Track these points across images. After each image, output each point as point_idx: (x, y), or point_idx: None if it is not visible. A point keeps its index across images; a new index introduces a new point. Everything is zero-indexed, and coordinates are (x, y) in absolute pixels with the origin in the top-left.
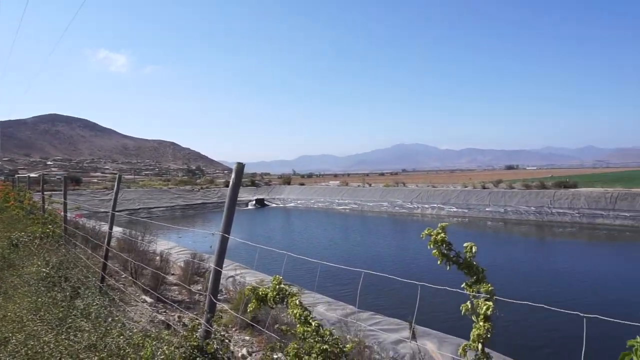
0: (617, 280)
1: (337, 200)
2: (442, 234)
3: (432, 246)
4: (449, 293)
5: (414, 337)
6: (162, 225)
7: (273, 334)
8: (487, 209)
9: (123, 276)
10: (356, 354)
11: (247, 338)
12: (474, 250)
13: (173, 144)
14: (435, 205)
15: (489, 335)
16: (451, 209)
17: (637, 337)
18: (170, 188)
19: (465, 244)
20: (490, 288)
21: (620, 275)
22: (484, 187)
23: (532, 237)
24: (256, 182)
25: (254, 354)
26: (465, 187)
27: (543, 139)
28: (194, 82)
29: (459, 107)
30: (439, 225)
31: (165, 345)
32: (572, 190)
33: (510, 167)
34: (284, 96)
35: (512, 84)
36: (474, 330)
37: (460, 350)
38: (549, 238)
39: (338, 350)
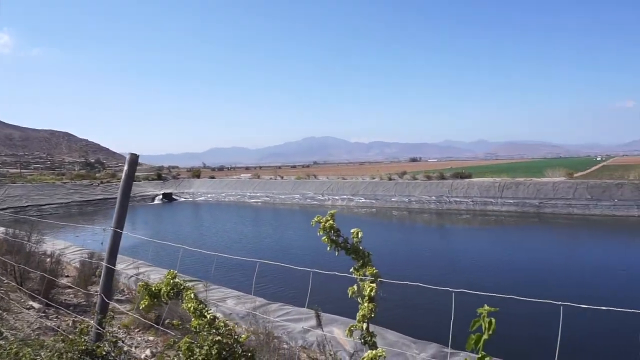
0: (498, 259)
1: (248, 193)
2: (331, 221)
3: (321, 233)
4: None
5: (320, 324)
6: (53, 223)
7: (171, 332)
8: (393, 199)
9: (5, 281)
10: (264, 345)
11: (152, 338)
12: (360, 235)
13: (68, 134)
14: (345, 196)
15: (372, 315)
16: (360, 200)
17: (485, 305)
18: (65, 183)
19: (352, 230)
20: (375, 271)
21: (502, 255)
22: (390, 179)
23: (433, 224)
24: (163, 175)
25: (158, 354)
26: (373, 178)
27: (443, 133)
28: (92, 67)
29: (368, 101)
30: (328, 212)
31: (47, 352)
32: (467, 180)
33: (414, 160)
34: (192, 86)
35: (416, 79)
36: (359, 311)
37: (346, 331)
38: (447, 225)
39: (232, 340)
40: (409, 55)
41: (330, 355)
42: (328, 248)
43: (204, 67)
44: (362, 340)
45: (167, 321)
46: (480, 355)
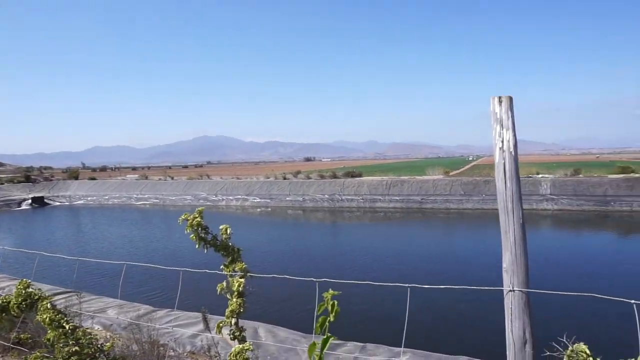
0: (384, 251)
1: (135, 195)
2: (198, 218)
3: (189, 230)
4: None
5: (207, 327)
6: None
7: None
8: (287, 198)
9: None
10: (148, 354)
11: None
12: (229, 231)
13: None
14: (240, 196)
15: (242, 310)
16: (255, 200)
17: (330, 289)
18: None
19: (220, 226)
20: (244, 266)
21: (386, 247)
22: (284, 178)
23: (326, 221)
24: (32, 177)
25: None
26: (268, 178)
27: (336, 133)
28: None
29: (264, 101)
30: (196, 209)
31: None
32: (358, 179)
33: (308, 159)
34: (67, 79)
35: (310, 80)
36: (228, 307)
37: (215, 328)
38: (339, 221)
39: (94, 349)
40: (299, 57)
41: (215, 357)
42: (197, 246)
43: (81, 58)
44: (232, 336)
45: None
46: (325, 337)
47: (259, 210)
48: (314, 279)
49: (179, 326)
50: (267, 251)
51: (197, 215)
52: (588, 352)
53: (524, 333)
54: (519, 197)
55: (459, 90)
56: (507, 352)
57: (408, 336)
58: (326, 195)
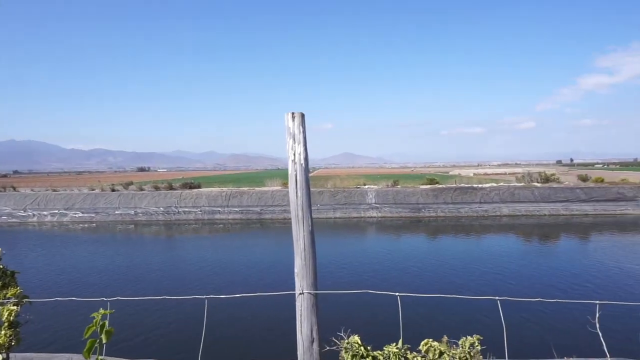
0: (224, 265)
1: None
2: None
3: None
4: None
5: None
6: None
7: None
8: (116, 212)
9: None
10: None
11: None
12: None
13: None
14: (57, 211)
15: (13, 343)
16: (76, 215)
17: (101, 308)
18: None
19: None
20: (18, 291)
21: (220, 260)
22: (113, 190)
23: (160, 235)
24: None
25: None
26: (93, 190)
27: (174, 143)
28: None
29: (90, 104)
30: None
31: None
32: (196, 190)
33: (142, 169)
34: None
35: (146, 85)
36: None
37: None
38: (176, 235)
39: None
40: (133, 56)
41: None
42: None
43: None
44: None
45: None
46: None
47: (81, 226)
48: (105, 299)
49: None
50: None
51: None
52: (359, 342)
53: (312, 332)
54: (309, 206)
55: (295, 105)
56: (298, 352)
57: (204, 350)
58: (161, 208)
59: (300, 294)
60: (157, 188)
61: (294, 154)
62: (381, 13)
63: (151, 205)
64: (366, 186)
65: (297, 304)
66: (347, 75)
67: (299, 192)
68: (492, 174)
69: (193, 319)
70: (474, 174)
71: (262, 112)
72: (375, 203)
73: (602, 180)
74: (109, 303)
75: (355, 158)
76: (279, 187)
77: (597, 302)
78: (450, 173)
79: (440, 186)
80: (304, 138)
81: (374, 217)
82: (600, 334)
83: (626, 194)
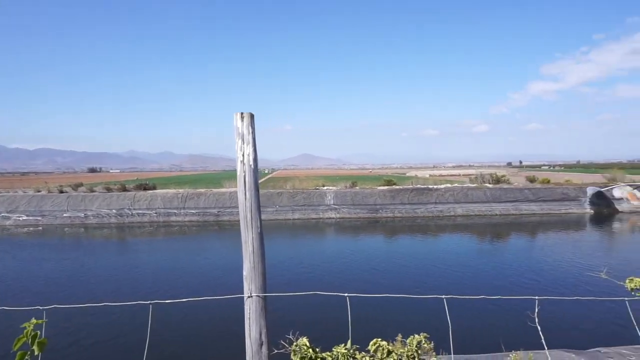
0: (161, 269)
1: None
2: None
3: None
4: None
5: None
6: None
7: None
8: (65, 215)
9: None
10: None
11: None
12: None
13: None
14: None
15: None
16: (20, 218)
17: (33, 318)
18: None
19: None
20: None
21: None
22: (61, 191)
23: (112, 239)
24: None
25: None
26: (39, 191)
27: (127, 142)
28: None
29: (36, 101)
30: None
31: None
32: (151, 192)
33: (93, 170)
34: None
35: (99, 82)
36: None
37: None
38: (129, 238)
39: None
40: (89, 56)
41: None
42: None
43: None
44: None
45: None
46: None
47: (25, 230)
48: (41, 307)
49: None
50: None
51: None
52: (308, 344)
53: (261, 335)
54: (258, 208)
55: (253, 106)
56: (246, 356)
57: (149, 357)
58: (114, 210)
59: (249, 297)
60: (109, 189)
61: (243, 155)
62: (354, 13)
63: (103, 207)
64: (325, 187)
65: (246, 307)
66: (309, 76)
67: (247, 193)
68: (447, 175)
69: (138, 326)
70: (430, 175)
71: (221, 112)
72: (334, 204)
73: (548, 182)
74: (44, 312)
75: (314, 159)
76: (236, 189)
77: (537, 297)
78: (408, 174)
79: (398, 187)
80: (254, 139)
81: (333, 218)
82: (539, 328)
83: (570, 194)
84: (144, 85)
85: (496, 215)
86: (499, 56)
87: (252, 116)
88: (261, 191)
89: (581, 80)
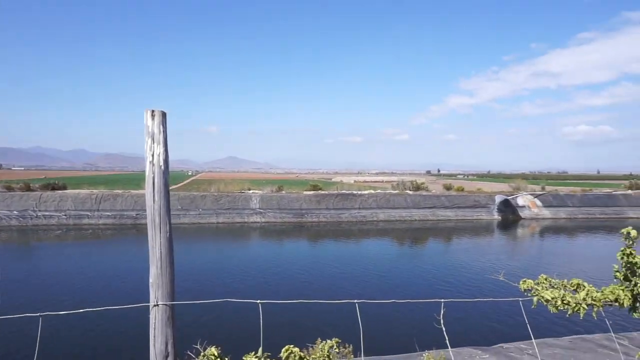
0: (77, 275)
1: None
2: None
3: None
4: None
5: None
6: None
7: None
8: None
9: None
10: None
11: None
12: None
13: None
14: None
15: None
16: None
17: None
18: None
19: None
20: None
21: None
22: None
23: (11, 243)
24: None
25: None
26: None
27: (33, 138)
28: None
29: None
30: None
31: None
32: (60, 192)
33: None
34: None
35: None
36: None
37: None
38: (32, 242)
39: None
40: None
41: None
42: None
43: None
44: None
45: None
46: None
47: None
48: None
49: None
50: None
51: None
52: (216, 353)
53: (167, 347)
54: (167, 211)
55: (166, 104)
56: None
57: None
58: (15, 212)
59: (155, 305)
60: (10, 188)
61: (153, 155)
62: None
63: (2, 208)
64: (251, 191)
65: (151, 316)
66: (235, 80)
67: (156, 196)
68: (371, 182)
69: (28, 340)
70: (355, 181)
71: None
72: (259, 208)
73: (462, 189)
74: None
75: (241, 162)
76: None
77: (442, 300)
78: (333, 179)
79: (323, 192)
80: (165, 138)
81: (258, 222)
82: (444, 329)
83: (481, 201)
84: (53, 75)
85: (416, 220)
86: (421, 68)
87: (164, 114)
88: (183, 193)
89: (492, 97)
